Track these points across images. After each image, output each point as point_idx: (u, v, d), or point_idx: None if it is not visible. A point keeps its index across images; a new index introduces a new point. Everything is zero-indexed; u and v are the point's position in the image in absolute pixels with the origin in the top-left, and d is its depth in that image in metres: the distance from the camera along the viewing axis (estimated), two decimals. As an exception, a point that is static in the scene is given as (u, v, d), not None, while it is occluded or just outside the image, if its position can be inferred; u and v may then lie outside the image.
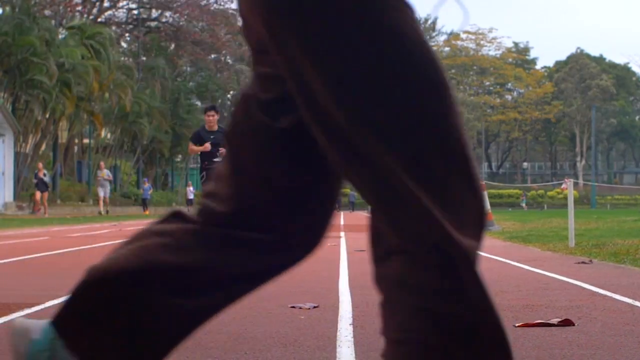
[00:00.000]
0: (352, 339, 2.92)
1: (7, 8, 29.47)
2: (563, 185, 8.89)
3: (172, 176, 60.47)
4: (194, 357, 2.59)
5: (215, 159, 11.23)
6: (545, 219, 19.01)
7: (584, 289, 4.70)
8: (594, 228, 12.73)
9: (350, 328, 3.18)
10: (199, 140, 11.49)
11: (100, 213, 30.53)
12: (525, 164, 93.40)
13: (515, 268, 6.22)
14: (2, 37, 27.14)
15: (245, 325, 3.23)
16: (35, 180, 27.23)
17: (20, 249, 8.45)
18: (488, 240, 10.70)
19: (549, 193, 75.77)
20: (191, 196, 50.38)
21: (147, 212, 38.20)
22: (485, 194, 13.16)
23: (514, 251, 8.39)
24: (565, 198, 52.26)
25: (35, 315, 3.49)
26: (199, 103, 63.05)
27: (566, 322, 3.27)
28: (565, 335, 3.04)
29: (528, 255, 7.61)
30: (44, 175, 27.02)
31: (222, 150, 11.07)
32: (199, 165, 11.98)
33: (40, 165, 27.68)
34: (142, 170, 50.68)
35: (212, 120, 11.45)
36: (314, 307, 3.78)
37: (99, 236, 11.92)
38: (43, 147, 36.42)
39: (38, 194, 27.29)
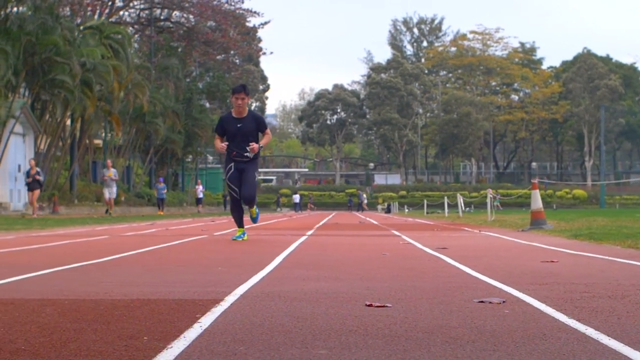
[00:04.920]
0: (596, 331, 2.86)
1: (24, 8, 29.37)
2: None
3: (182, 176, 60.41)
4: (454, 350, 2.53)
5: (246, 153, 9.59)
6: (586, 217, 18.93)
7: None
8: (651, 226, 12.66)
9: (573, 321, 3.12)
10: (222, 129, 9.68)
11: (109, 213, 29.16)
12: (534, 164, 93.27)
13: (635, 266, 6.15)
14: (26, 37, 27.03)
15: (466, 319, 3.15)
16: (29, 179, 25.27)
17: (100, 248, 8.39)
18: (555, 239, 10.65)
19: (558, 193, 75.72)
20: (201, 195, 50.20)
21: (161, 212, 38.06)
22: (537, 192, 13.04)
23: (598, 249, 8.30)
24: (573, 198, 52.58)
25: (233, 311, 3.43)
26: (207, 104, 62.95)
27: None
28: None
29: (621, 253, 7.53)
30: (37, 173, 25.26)
31: (254, 146, 9.48)
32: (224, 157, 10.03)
33: (33, 162, 25.91)
34: (154, 171, 50.61)
35: (242, 105, 9.50)
36: (503, 301, 3.72)
37: (154, 235, 11.85)
38: (53, 148, 36.26)
39: (29, 194, 25.59)
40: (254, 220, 10.24)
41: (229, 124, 9.56)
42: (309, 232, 12.91)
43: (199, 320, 3.08)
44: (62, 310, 3.39)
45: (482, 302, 3.72)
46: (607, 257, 6.90)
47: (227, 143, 9.50)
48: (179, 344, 2.59)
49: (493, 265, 5.98)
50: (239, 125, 9.49)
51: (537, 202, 13.51)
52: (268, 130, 9.85)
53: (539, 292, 4.12)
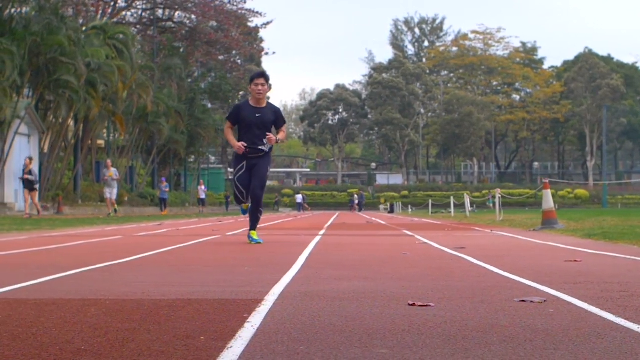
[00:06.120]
0: (651, 332, 2.86)
1: (27, 8, 29.37)
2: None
3: (185, 177, 60.38)
4: (515, 348, 2.52)
5: (261, 146, 8.77)
6: (595, 217, 18.91)
7: None
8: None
9: (622, 320, 3.11)
10: (237, 117, 8.83)
11: (110, 214, 28.13)
12: (536, 164, 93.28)
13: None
14: (32, 37, 27.02)
15: (514, 318, 3.15)
16: (24, 177, 24.30)
17: (118, 248, 8.39)
18: (569, 238, 10.64)
19: (560, 193, 75.71)
20: (203, 196, 50.11)
21: (165, 212, 38.03)
22: (549, 192, 13.02)
23: (617, 249, 8.30)
24: (575, 198, 52.76)
25: (278, 311, 3.43)
26: (209, 104, 62.95)
27: None
28: None
29: (641, 252, 7.53)
30: (29, 172, 24.18)
31: (271, 137, 8.75)
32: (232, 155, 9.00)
33: (28, 161, 24.76)
34: (157, 171, 50.60)
35: (262, 91, 8.72)
36: (544, 301, 3.72)
37: (166, 235, 11.85)
38: (57, 149, 36.24)
39: (25, 191, 24.38)
40: (253, 240, 9.03)
41: (246, 112, 8.74)
42: (321, 232, 12.91)
43: (248, 320, 3.08)
44: (106, 310, 3.38)
45: (523, 301, 3.71)
46: (630, 257, 6.90)
47: (244, 144, 8.69)
48: (238, 344, 2.59)
49: (518, 265, 5.98)
50: (257, 115, 8.71)
51: (548, 201, 13.51)
52: (285, 128, 9.12)
53: (576, 292, 4.12)
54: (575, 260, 6.41)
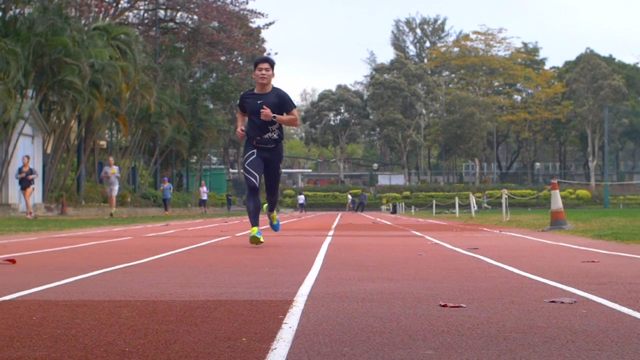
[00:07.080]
0: (690, 333, 2.86)
1: (30, 9, 29.36)
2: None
3: (187, 177, 60.37)
4: (559, 349, 2.52)
5: (266, 135, 8.29)
6: (601, 217, 18.91)
7: None
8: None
9: (658, 322, 3.11)
10: (244, 106, 8.43)
11: (112, 214, 28.17)
12: (537, 165, 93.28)
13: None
14: (36, 38, 27.02)
15: (550, 319, 3.15)
16: (20, 175, 23.92)
17: (131, 249, 8.39)
18: (580, 239, 10.63)
19: (561, 193, 75.59)
20: (204, 197, 50.08)
21: (167, 213, 38.02)
22: (557, 192, 13.02)
23: (630, 249, 8.30)
24: (577, 198, 52.93)
25: (311, 312, 3.42)
26: (211, 105, 62.94)
27: None
28: None
29: (656, 252, 7.53)
30: (30, 172, 23.82)
31: (266, 110, 8.14)
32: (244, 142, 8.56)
33: (26, 160, 24.37)
34: (159, 172, 50.60)
35: (266, 77, 8.20)
36: (574, 301, 3.72)
37: (176, 236, 11.85)
38: (60, 150, 36.22)
39: (22, 192, 24.12)
40: (275, 227, 9.37)
41: (249, 99, 8.30)
42: (330, 233, 12.91)
43: (285, 322, 3.08)
44: (139, 311, 3.38)
45: (553, 302, 3.71)
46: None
47: (243, 128, 8.36)
48: (281, 345, 2.58)
49: (537, 266, 5.98)
50: (259, 102, 8.18)
51: (557, 202, 13.51)
52: (294, 112, 8.44)
53: (604, 292, 4.12)
54: (593, 261, 6.41)
